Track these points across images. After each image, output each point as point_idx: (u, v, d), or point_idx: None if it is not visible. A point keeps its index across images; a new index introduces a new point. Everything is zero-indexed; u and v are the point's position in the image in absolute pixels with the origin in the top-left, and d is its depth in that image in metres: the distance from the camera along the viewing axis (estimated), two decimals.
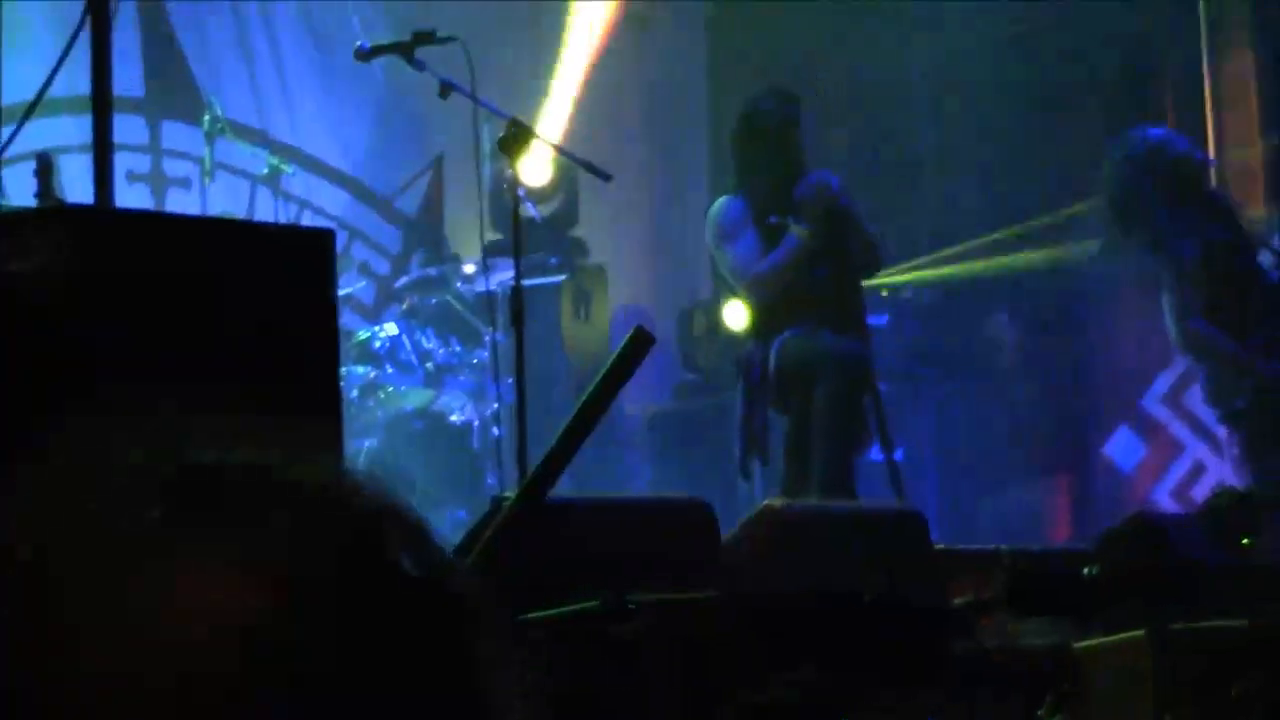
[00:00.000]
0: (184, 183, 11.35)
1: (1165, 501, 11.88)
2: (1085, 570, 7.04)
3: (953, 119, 12.78)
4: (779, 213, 8.67)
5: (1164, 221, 8.58)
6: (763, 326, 8.71)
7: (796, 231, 8.68)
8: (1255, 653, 4.76)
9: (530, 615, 5.16)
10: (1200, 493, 11.86)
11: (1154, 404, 12.01)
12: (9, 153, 4.87)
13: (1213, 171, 9.32)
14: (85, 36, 4.65)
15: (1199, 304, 8.40)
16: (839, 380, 8.55)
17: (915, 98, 12.97)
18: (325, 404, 4.59)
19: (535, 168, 10.95)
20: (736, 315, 10.13)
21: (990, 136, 12.40)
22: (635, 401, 11.35)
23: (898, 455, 11.37)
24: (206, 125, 10.50)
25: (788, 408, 8.77)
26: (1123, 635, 6.32)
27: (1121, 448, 12.14)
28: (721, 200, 8.76)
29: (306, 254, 4.72)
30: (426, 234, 11.95)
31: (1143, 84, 12.43)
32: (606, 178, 9.05)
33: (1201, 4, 12.06)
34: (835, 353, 8.59)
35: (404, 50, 8.23)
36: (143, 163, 11.15)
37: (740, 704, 3.57)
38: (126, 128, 10.77)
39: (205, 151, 10.53)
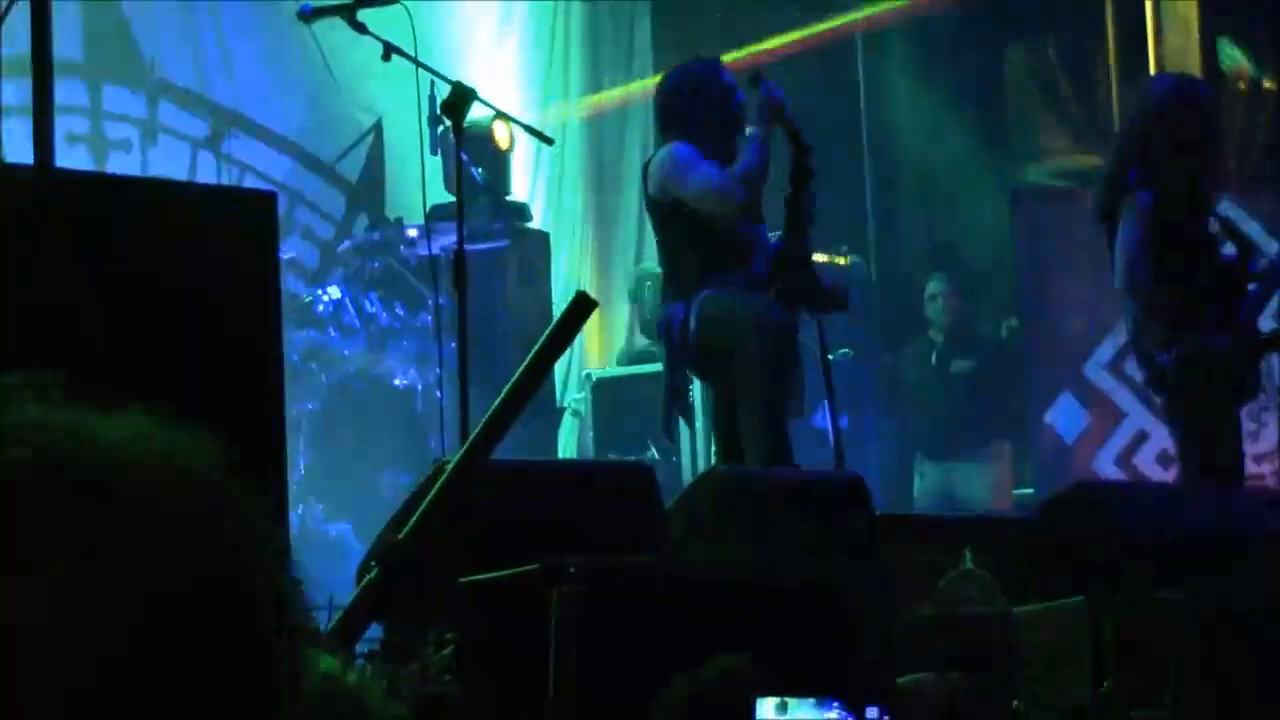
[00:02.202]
0: (124, 145, 11.30)
1: (1108, 469, 11.94)
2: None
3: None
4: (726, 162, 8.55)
5: (1146, 164, 8.52)
6: (683, 282, 8.60)
7: (753, 131, 8.58)
8: (1190, 620, 4.80)
9: (470, 579, 5.18)
10: (1142, 460, 11.95)
11: (1097, 371, 12.07)
12: None
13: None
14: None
15: (1150, 250, 8.37)
16: (760, 351, 8.42)
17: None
18: (262, 369, 4.60)
19: (500, 135, 10.95)
20: None
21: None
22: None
23: (843, 422, 11.43)
24: (147, 88, 10.47)
25: (707, 375, 8.71)
26: (1061, 602, 6.37)
27: (1064, 415, 12.19)
28: (669, 145, 8.58)
29: (249, 216, 4.72)
30: (368, 199, 11.94)
31: None
32: (548, 141, 9.06)
33: None
34: (757, 320, 8.46)
35: (346, 12, 8.22)
36: (82, 125, 11.11)
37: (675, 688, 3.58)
38: (66, 90, 10.74)
39: (146, 114, 10.49)
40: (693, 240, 8.51)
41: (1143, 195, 8.42)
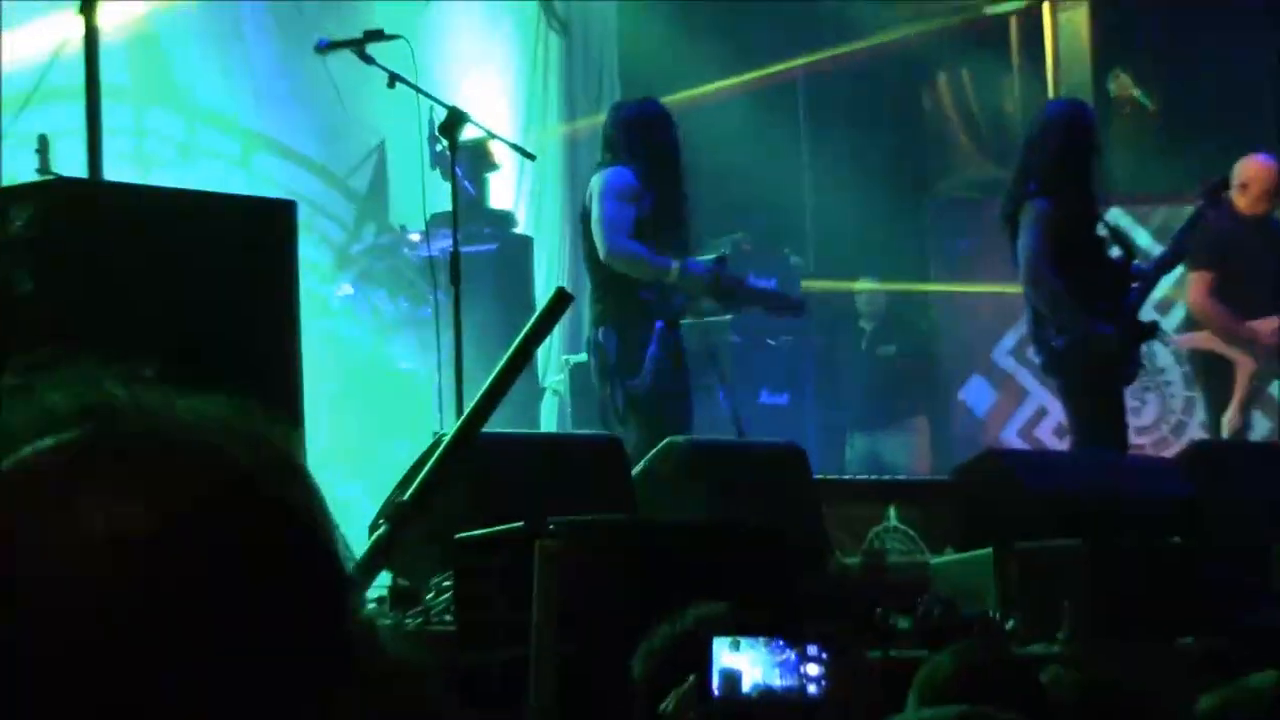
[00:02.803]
0: (165, 162, 11.27)
1: (1013, 439, 12.00)
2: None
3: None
4: (665, 218, 8.31)
5: (1043, 175, 8.55)
6: (602, 301, 8.50)
7: (674, 270, 8.22)
8: (1082, 566, 4.83)
9: (464, 535, 5.19)
10: (1042, 432, 12.00)
11: (1003, 356, 12.13)
12: (16, 134, 4.86)
13: None
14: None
15: (1047, 249, 8.38)
16: (657, 383, 8.30)
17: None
18: (286, 355, 4.61)
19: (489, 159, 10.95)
20: None
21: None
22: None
23: (782, 399, 11.46)
24: (185, 112, 10.43)
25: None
26: (973, 553, 6.39)
27: (975, 393, 12.26)
28: (615, 168, 8.37)
29: (273, 222, 4.73)
30: (374, 208, 11.94)
31: None
32: (530, 157, 9.05)
33: None
34: (653, 355, 8.30)
35: (357, 46, 8.21)
36: (128, 145, 11.06)
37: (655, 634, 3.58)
38: (112, 114, 10.68)
39: (185, 135, 10.46)
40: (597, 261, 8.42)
41: (1039, 203, 8.46)
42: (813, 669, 3.27)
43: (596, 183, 8.32)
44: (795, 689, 3.26)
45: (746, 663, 3.28)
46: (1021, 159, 8.84)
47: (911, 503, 7.24)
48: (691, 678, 3.29)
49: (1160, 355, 11.65)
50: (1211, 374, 10.14)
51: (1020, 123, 12.81)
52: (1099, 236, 8.75)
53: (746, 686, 3.27)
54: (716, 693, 3.26)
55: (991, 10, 13.09)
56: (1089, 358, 8.33)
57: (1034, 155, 8.66)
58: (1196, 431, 11.06)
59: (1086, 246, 8.59)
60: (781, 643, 3.29)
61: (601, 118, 12.19)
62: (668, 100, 9.18)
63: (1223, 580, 6.37)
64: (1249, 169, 9.92)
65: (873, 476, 9.15)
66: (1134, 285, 8.67)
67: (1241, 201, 9.87)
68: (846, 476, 7.60)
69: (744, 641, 3.28)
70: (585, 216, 8.41)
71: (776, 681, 3.27)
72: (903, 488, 7.53)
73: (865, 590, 6.07)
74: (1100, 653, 5.25)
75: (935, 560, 6.75)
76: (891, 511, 7.11)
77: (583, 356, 11.33)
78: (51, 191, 4.31)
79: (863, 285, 12.55)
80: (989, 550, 6.11)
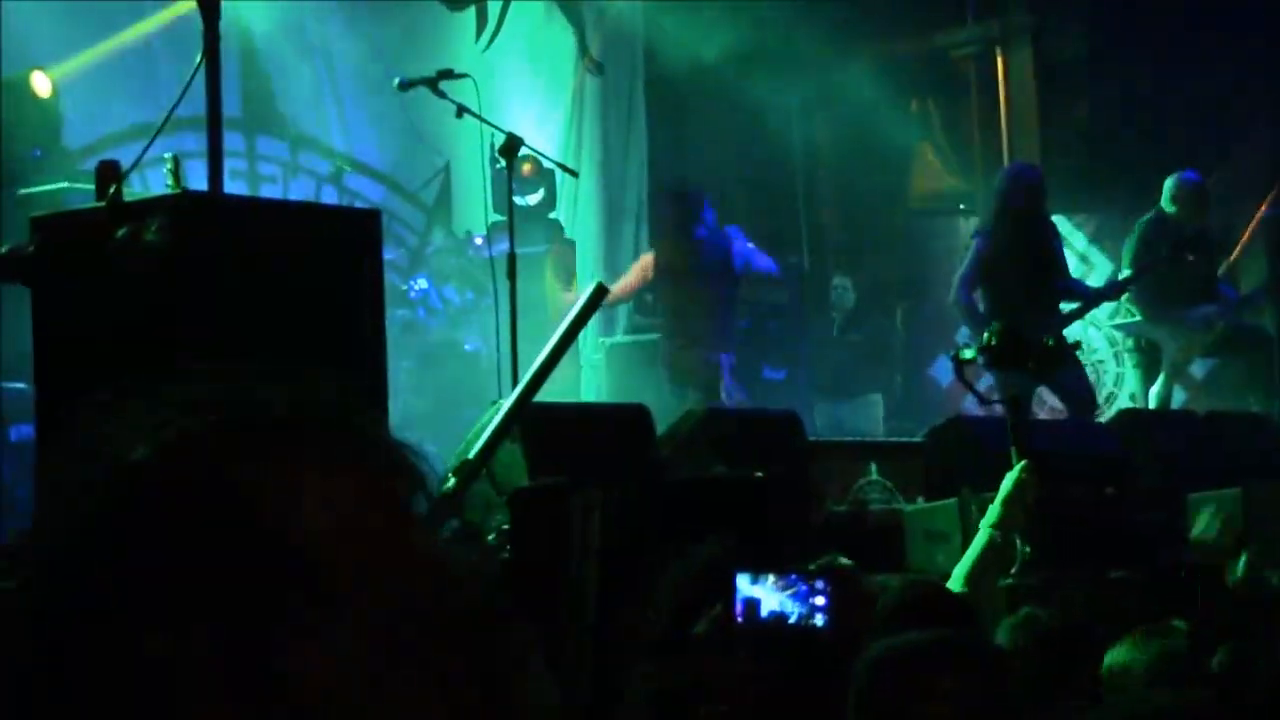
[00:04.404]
0: (272, 179, 11.30)
1: (972, 409, 11.97)
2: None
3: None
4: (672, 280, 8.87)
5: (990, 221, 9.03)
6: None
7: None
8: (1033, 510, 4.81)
9: (517, 488, 5.20)
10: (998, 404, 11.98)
11: (964, 339, 12.11)
12: (148, 157, 4.87)
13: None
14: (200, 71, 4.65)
15: (971, 277, 8.83)
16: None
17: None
18: (373, 338, 4.62)
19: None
20: None
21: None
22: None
23: (780, 375, 11.46)
24: (288, 138, 10.45)
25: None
26: (941, 502, 6.39)
27: (942, 370, 12.24)
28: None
29: (361, 228, 4.75)
30: (441, 216, 11.97)
31: None
32: (574, 174, 9.06)
33: None
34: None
35: (431, 83, 8.21)
36: (241, 166, 11.09)
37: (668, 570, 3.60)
38: (229, 139, 10.69)
39: (288, 156, 10.49)
40: None
41: (979, 239, 8.82)
42: (820, 600, 3.29)
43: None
44: (805, 615, 3.29)
45: (763, 593, 3.30)
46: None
47: (890, 460, 7.24)
48: (719, 605, 3.31)
49: (1095, 339, 11.67)
50: (1143, 353, 10.26)
51: (977, 146, 12.82)
52: (1038, 261, 9.00)
53: (764, 613, 3.29)
54: (740, 619, 3.28)
55: (954, 54, 13.16)
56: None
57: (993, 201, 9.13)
58: (1125, 402, 11.07)
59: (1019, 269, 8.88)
60: (794, 576, 3.30)
61: (632, 144, 12.27)
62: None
63: (1145, 523, 6.38)
64: (1181, 187, 9.93)
65: (858, 439, 9.15)
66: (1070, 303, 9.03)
67: (1173, 211, 9.88)
68: (837, 439, 7.59)
69: (761, 575, 3.30)
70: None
71: (790, 609, 3.29)
72: (883, 448, 7.53)
73: (851, 531, 6.08)
74: (1045, 584, 5.26)
75: (909, 508, 6.75)
76: (873, 467, 7.11)
77: (618, 338, 11.34)
78: (180, 203, 4.32)
79: (837, 282, 12.63)
80: (954, 500, 6.11)
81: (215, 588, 0.94)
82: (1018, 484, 4.63)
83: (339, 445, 1.01)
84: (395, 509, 1.00)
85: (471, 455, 4.93)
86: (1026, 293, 8.79)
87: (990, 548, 4.49)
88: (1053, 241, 9.43)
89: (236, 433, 0.99)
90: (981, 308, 8.91)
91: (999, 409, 5.28)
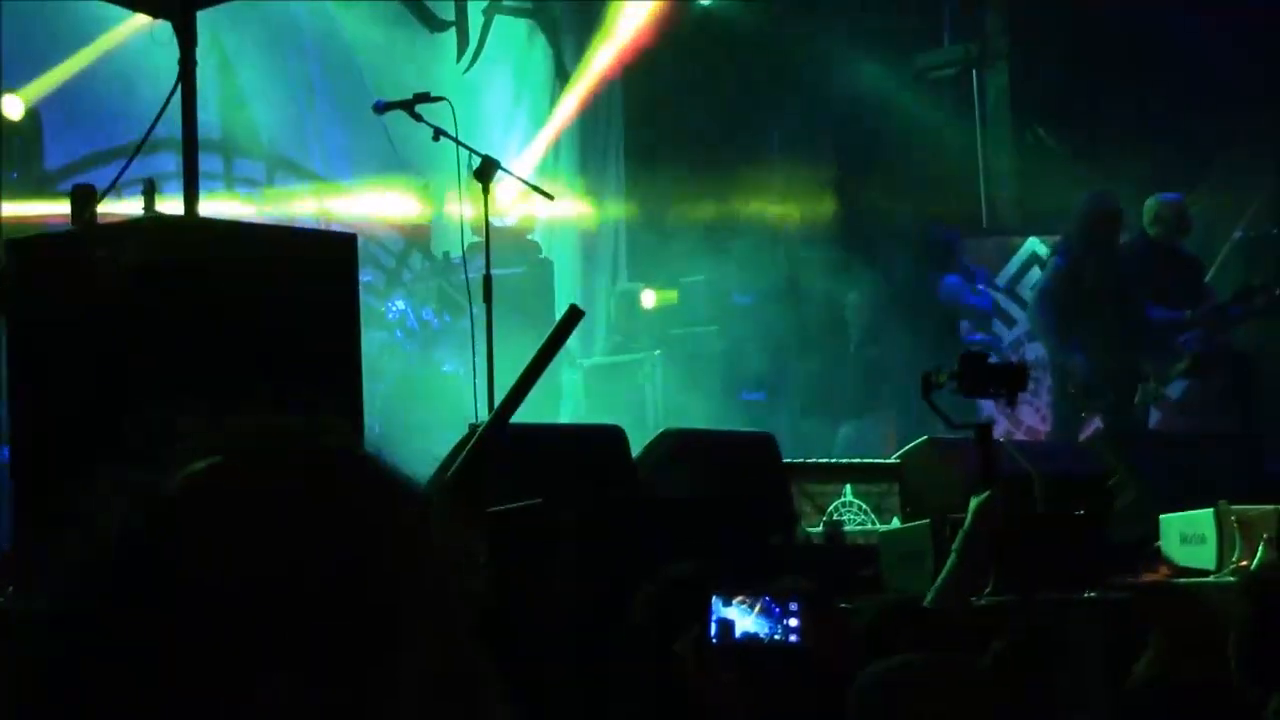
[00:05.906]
0: (248, 201, 11.31)
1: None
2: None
3: None
4: None
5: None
6: None
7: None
8: (1001, 531, 4.85)
9: (495, 508, 5.21)
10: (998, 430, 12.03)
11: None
12: (126, 178, 4.89)
13: None
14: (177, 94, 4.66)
15: (1052, 290, 9.21)
16: None
17: None
18: (348, 361, 4.64)
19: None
20: (649, 298, 10.37)
21: None
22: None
23: (760, 396, 11.48)
24: (265, 159, 10.44)
25: None
26: (912, 524, 6.41)
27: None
28: None
29: (336, 250, 4.77)
30: (418, 238, 11.98)
31: None
32: (550, 197, 9.08)
33: None
34: None
35: (407, 106, 8.23)
36: (219, 187, 11.10)
37: (656, 579, 3.62)
38: (206, 161, 10.71)
39: (264, 178, 10.48)
40: None
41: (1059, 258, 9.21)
42: (792, 621, 3.32)
43: None
44: (779, 637, 3.33)
45: (737, 614, 3.33)
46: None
47: (865, 481, 7.26)
48: (695, 626, 3.35)
49: None
50: None
51: (955, 160, 12.88)
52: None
53: (738, 634, 3.32)
54: (714, 639, 3.32)
55: (932, 75, 13.24)
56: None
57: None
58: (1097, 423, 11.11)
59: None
60: (767, 599, 3.34)
61: (609, 165, 12.27)
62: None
63: (1120, 542, 6.40)
64: (1163, 208, 10.00)
65: (832, 460, 9.16)
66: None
67: (1155, 232, 9.95)
68: (810, 460, 7.59)
69: (736, 597, 3.33)
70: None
71: (763, 631, 3.32)
72: (857, 469, 7.55)
73: (826, 552, 6.10)
74: (1020, 605, 5.28)
75: (883, 529, 6.77)
76: (848, 489, 7.13)
77: (594, 359, 11.36)
78: (156, 226, 4.33)
79: (851, 299, 12.62)
80: (927, 521, 6.13)
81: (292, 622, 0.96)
82: (982, 510, 4.71)
83: (361, 471, 1.05)
84: (428, 535, 1.04)
85: (449, 475, 4.94)
86: (1106, 323, 8.93)
87: (961, 568, 4.54)
88: (1136, 269, 9.60)
89: (267, 462, 1.02)
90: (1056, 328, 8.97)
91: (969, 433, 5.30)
